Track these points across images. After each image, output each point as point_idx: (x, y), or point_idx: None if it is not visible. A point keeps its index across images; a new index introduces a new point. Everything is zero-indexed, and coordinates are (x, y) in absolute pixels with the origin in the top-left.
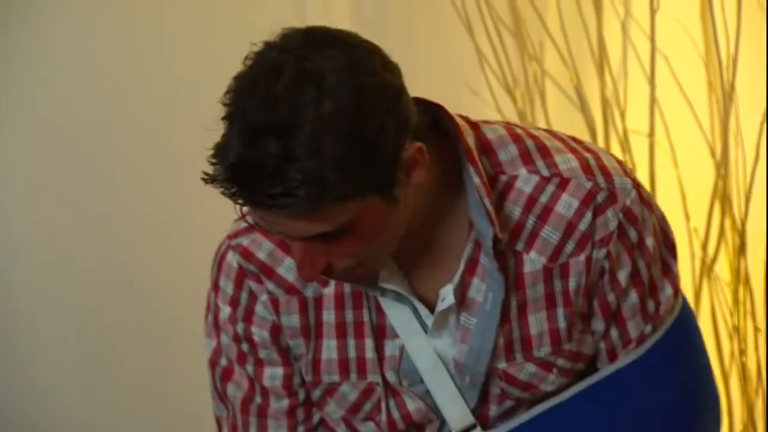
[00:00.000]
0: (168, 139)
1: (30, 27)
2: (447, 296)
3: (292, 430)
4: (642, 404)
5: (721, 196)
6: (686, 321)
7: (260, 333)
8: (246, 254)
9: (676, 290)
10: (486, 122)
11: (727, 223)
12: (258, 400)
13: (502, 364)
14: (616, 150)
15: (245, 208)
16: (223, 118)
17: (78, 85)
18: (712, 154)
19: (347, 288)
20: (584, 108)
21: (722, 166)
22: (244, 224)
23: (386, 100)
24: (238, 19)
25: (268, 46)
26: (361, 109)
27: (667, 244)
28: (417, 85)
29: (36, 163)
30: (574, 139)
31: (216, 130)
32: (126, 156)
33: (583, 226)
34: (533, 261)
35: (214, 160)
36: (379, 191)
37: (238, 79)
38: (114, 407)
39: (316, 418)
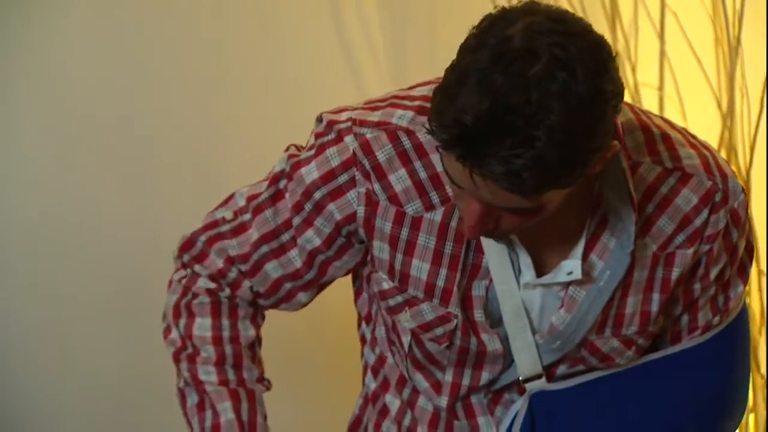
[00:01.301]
0: (180, 138)
1: (36, 22)
2: (575, 270)
3: (280, 283)
4: (692, 383)
5: (727, 145)
6: (744, 318)
7: (333, 212)
8: (366, 148)
9: (744, 288)
10: None
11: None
12: (285, 238)
13: (592, 336)
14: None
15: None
16: (453, 77)
17: (81, 84)
18: (719, 106)
19: (454, 222)
20: None
21: (728, 118)
22: (372, 117)
23: (613, 107)
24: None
25: (510, 17)
26: (598, 113)
27: (749, 248)
28: (438, 41)
29: (37, 162)
30: (689, 132)
31: (221, 130)
32: (127, 155)
33: (698, 221)
34: (645, 246)
35: (437, 116)
36: (575, 182)
37: (479, 45)
38: (113, 407)
39: (302, 296)
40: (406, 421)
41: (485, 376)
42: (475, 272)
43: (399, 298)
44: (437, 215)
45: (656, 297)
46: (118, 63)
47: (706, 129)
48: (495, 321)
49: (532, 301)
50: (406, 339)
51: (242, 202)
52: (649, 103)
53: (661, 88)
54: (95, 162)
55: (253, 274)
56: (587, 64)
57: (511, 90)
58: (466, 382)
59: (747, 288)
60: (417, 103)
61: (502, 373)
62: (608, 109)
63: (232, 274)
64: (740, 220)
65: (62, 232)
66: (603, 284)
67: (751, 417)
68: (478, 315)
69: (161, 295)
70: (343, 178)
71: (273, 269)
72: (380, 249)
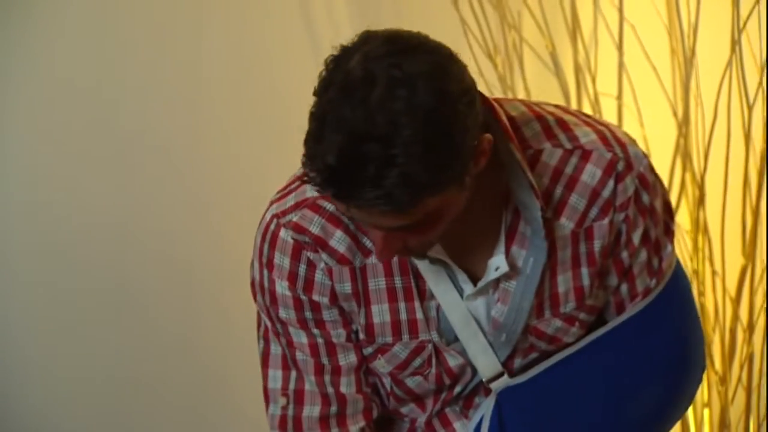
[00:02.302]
0: (166, 138)
1: (26, 27)
2: (501, 265)
3: (359, 386)
4: (646, 347)
5: (683, 152)
6: (680, 274)
7: (320, 300)
8: (299, 229)
9: (674, 247)
10: (504, 100)
11: (688, 177)
12: (326, 359)
13: (533, 321)
14: (588, 111)
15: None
16: (313, 122)
17: (73, 87)
18: (675, 114)
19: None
20: (559, 73)
21: (683, 125)
22: (289, 203)
23: (466, 103)
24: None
25: (349, 51)
26: (449, 114)
27: (667, 207)
28: None
29: (29, 162)
30: (583, 113)
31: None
32: (117, 156)
33: (606, 193)
34: (563, 226)
35: (308, 162)
36: (458, 183)
37: (328, 85)
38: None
39: (372, 379)
40: None
41: (458, 389)
42: (422, 297)
43: (370, 349)
44: (375, 257)
45: (585, 271)
46: (106, 66)
47: (663, 136)
48: (450, 339)
49: (477, 310)
50: (386, 381)
51: (278, 383)
52: (608, 111)
53: (619, 97)
54: (87, 162)
55: (343, 403)
56: (425, 74)
57: (359, 119)
58: (442, 396)
59: (701, 288)
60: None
61: (471, 381)
62: (460, 107)
63: None
64: (649, 183)
65: (55, 231)
66: (529, 271)
67: (706, 412)
68: (434, 336)
69: (151, 294)
70: (302, 269)
71: (347, 384)
72: (349, 306)
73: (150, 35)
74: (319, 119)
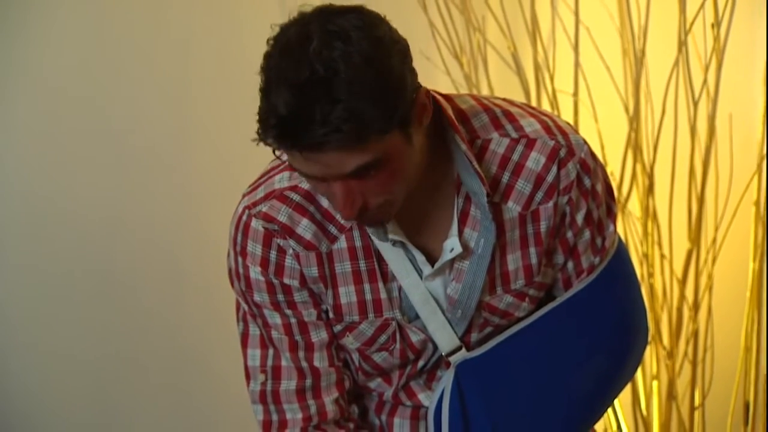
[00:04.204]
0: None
1: (17, 30)
2: (455, 246)
3: (331, 360)
4: (593, 319)
5: (633, 145)
6: (622, 251)
7: (292, 284)
8: (268, 218)
9: (615, 227)
10: (454, 95)
11: (638, 167)
12: (299, 336)
13: (486, 297)
14: (546, 107)
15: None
16: (262, 88)
17: (62, 87)
18: (626, 110)
19: (357, 242)
20: (520, 72)
21: (634, 120)
22: (259, 195)
23: (400, 51)
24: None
25: (287, 25)
26: (383, 57)
27: (608, 190)
28: None
29: (31, 156)
30: (528, 105)
31: (182, 126)
32: (105, 154)
33: (550, 177)
34: (510, 210)
35: (262, 120)
36: (402, 127)
37: (270, 53)
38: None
39: (343, 354)
40: (356, 410)
41: (421, 363)
42: (384, 278)
43: (339, 327)
44: (342, 243)
45: (533, 250)
46: (97, 68)
47: (615, 130)
48: (412, 317)
49: (436, 290)
50: (355, 356)
51: (257, 361)
52: (564, 107)
53: (575, 94)
54: (79, 157)
55: (317, 376)
56: (358, 27)
57: (299, 70)
58: (407, 370)
59: (651, 270)
60: (287, 163)
61: (433, 356)
62: (393, 53)
63: (312, 408)
64: (590, 168)
65: (48, 220)
66: (481, 251)
67: (654, 383)
68: (397, 314)
69: (136, 281)
70: (273, 255)
71: (320, 359)
72: (318, 288)
73: (137, 38)
74: (266, 79)
